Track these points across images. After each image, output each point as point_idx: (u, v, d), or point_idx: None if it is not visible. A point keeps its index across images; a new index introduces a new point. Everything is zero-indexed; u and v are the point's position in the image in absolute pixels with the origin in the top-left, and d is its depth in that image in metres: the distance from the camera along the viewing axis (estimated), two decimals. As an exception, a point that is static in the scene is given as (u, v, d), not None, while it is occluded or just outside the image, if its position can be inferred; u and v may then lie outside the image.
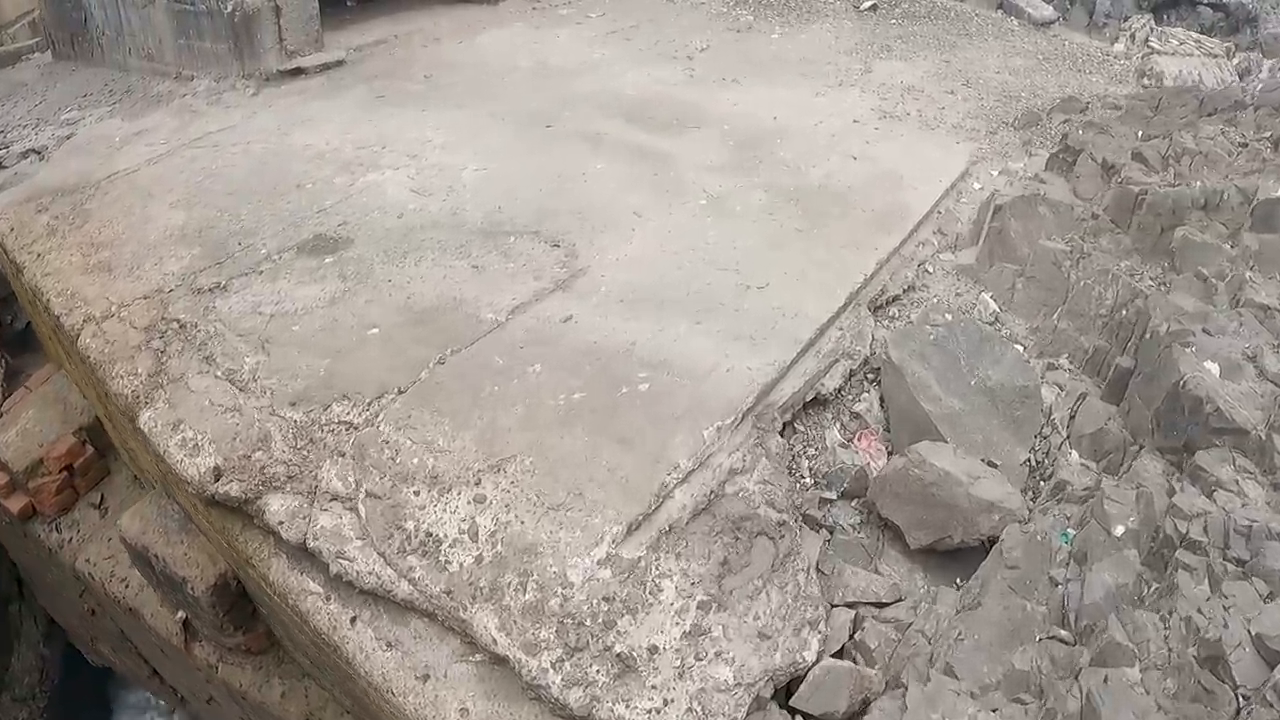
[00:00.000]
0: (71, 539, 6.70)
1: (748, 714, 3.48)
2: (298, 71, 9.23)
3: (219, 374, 5.02)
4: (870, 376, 5.16)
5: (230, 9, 8.86)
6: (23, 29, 14.46)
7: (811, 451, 4.76)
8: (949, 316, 5.37)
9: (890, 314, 5.66)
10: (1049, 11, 11.50)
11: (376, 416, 4.58)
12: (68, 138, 9.11)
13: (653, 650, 3.57)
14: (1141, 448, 4.50)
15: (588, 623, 3.61)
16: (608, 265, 5.58)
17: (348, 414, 4.62)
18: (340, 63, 9.36)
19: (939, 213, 6.67)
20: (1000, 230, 6.19)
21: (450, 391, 4.66)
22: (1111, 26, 11.39)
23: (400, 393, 4.70)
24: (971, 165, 7.41)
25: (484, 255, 5.73)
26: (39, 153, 8.91)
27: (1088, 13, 11.63)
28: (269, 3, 8.97)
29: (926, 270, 6.14)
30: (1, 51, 14.45)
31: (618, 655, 3.53)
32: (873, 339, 5.30)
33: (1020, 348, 5.56)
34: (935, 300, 5.87)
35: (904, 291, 5.84)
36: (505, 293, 5.35)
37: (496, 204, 6.29)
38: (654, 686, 3.47)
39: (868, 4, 11.60)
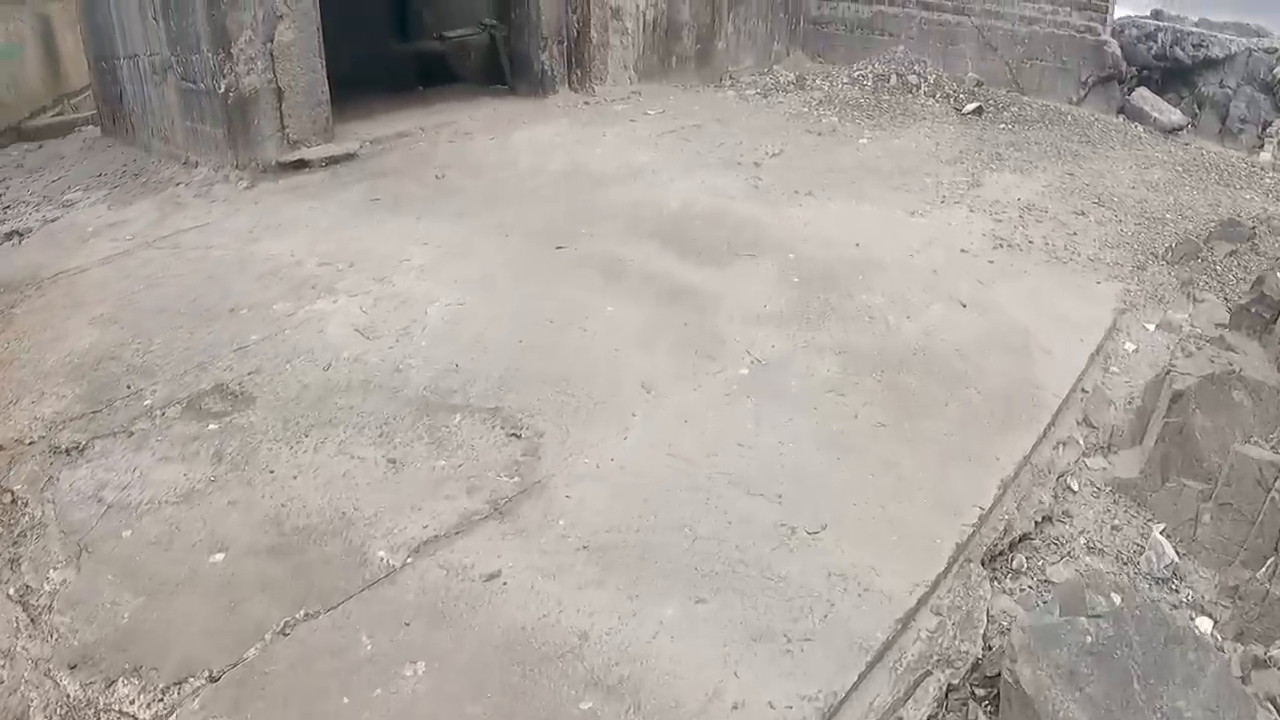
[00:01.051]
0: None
1: None
2: (300, 164, 7.56)
3: (13, 590, 3.30)
4: (980, 694, 3.02)
5: (224, 89, 7.25)
6: (87, 99, 13.25)
7: None
8: (1117, 599, 3.18)
9: (1013, 567, 3.53)
10: (1177, 116, 9.35)
11: (167, 716, 2.66)
12: (52, 221, 7.94)
13: None
14: None
15: None
16: (581, 477, 3.56)
17: (131, 701, 2.76)
18: (350, 156, 7.67)
19: (1083, 391, 4.55)
20: (1180, 428, 4.04)
21: (278, 695, 2.70)
22: (1248, 133, 9.20)
23: (211, 680, 2.79)
24: (1120, 316, 5.29)
25: (410, 443, 3.79)
26: (21, 235, 7.65)
27: (1219, 118, 9.44)
28: (269, 84, 7.34)
29: (1069, 487, 4.00)
30: (58, 121, 13.38)
31: None
32: (987, 623, 3.16)
33: (1214, 636, 3.42)
34: (1083, 539, 3.73)
35: (1037, 526, 3.71)
36: (419, 513, 3.39)
37: (454, 359, 4.38)
38: None
39: (971, 106, 9.59)
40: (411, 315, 4.84)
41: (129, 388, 4.49)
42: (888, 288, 5.25)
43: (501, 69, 13.58)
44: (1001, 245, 6.10)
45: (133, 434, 4.10)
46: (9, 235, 7.99)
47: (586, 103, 8.93)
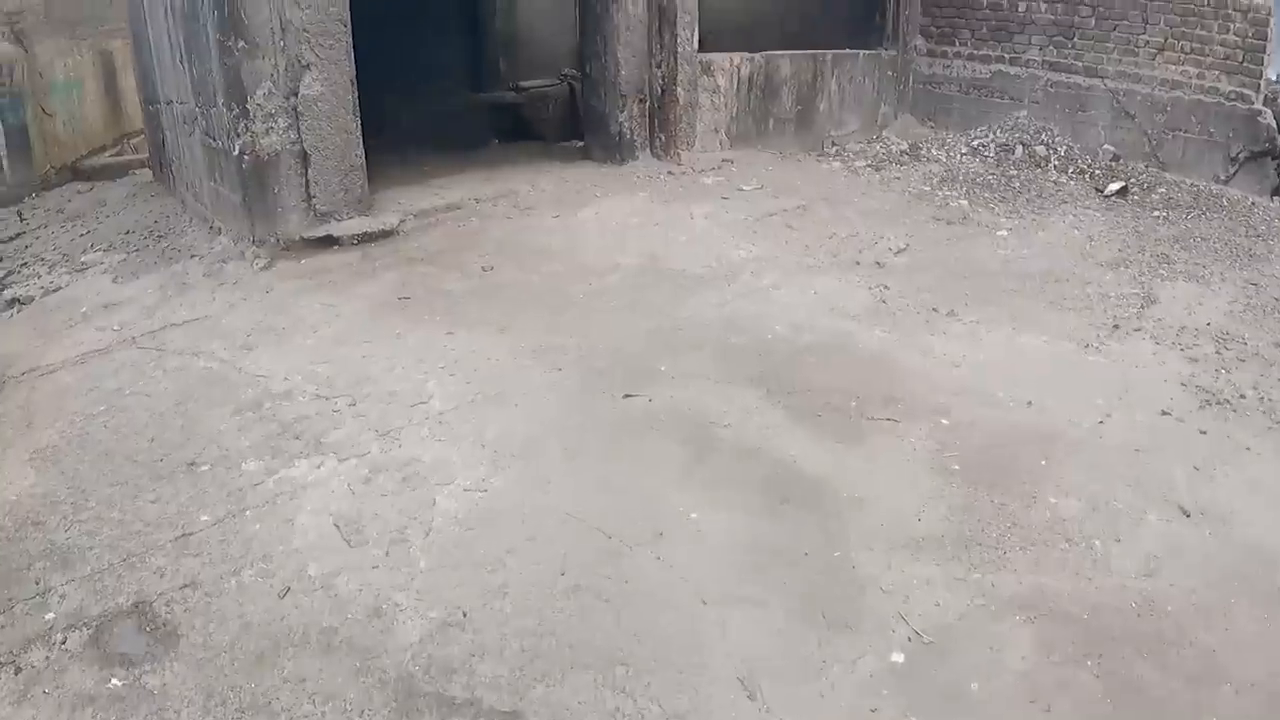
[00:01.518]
0: None
1: None
2: (328, 241, 6.26)
3: None
4: None
5: (239, 150, 5.98)
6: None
7: None
8: None
9: None
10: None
11: None
12: (55, 291, 6.83)
13: None
14: None
15: None
16: None
17: None
18: (387, 233, 6.34)
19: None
20: None
21: None
22: None
23: None
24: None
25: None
26: (21, 304, 6.67)
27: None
28: (292, 146, 6.05)
29: None
30: (115, 161, 12.35)
31: None
32: None
33: None
34: None
35: None
36: None
37: (462, 601, 2.92)
38: None
39: (1115, 187, 7.96)
40: (415, 505, 3.40)
41: (38, 583, 3.21)
42: (1082, 482, 3.67)
43: (581, 124, 12.33)
44: (1209, 402, 4.48)
45: (19, 670, 2.77)
46: (10, 303, 6.96)
47: (670, 172, 7.51)
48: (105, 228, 8.67)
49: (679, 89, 7.62)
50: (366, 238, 6.30)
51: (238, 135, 5.97)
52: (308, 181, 6.20)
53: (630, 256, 5.81)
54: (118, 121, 12.97)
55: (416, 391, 4.25)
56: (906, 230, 6.58)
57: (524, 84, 12.11)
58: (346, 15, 6.01)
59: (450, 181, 7.31)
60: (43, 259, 8.40)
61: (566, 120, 12.37)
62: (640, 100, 7.57)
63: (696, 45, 7.74)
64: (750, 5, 11.27)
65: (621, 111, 7.50)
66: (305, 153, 6.12)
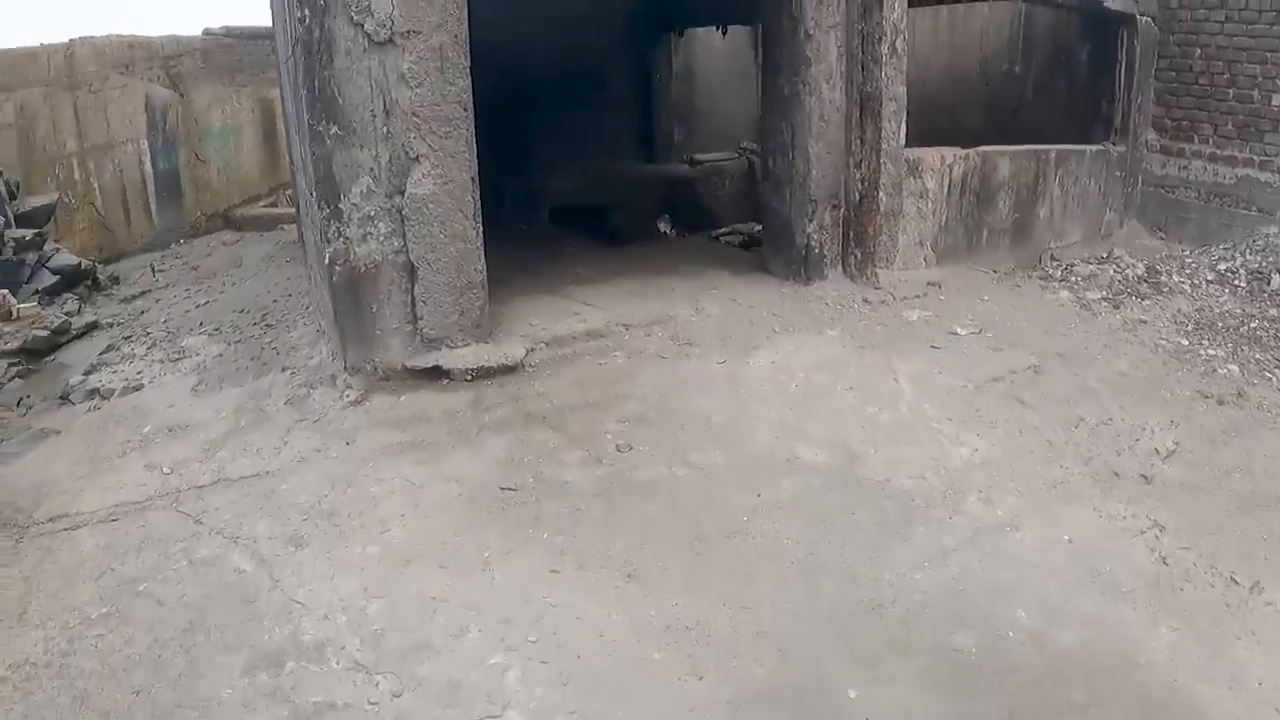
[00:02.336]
0: None
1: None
2: (435, 373, 5.00)
3: None
4: None
5: (329, 259, 4.79)
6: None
7: None
8: None
9: None
10: None
11: None
12: (134, 390, 5.92)
13: None
14: None
15: None
16: None
17: None
18: (509, 369, 5.02)
19: None
20: None
21: None
22: None
23: None
24: None
25: None
26: (102, 397, 5.89)
27: None
28: (395, 256, 4.83)
29: None
30: (267, 213, 11.60)
31: None
32: None
33: None
34: None
35: None
36: None
37: None
38: None
39: None
40: None
41: None
42: None
43: (759, 206, 10.85)
44: None
45: None
46: (90, 394, 6.00)
47: (867, 300, 5.92)
48: (223, 302, 7.77)
49: (881, 194, 6.06)
50: (482, 373, 4.98)
51: (328, 240, 4.77)
52: (413, 300, 4.94)
53: (814, 447, 4.25)
54: (275, 171, 12.28)
55: (489, 689, 2.83)
56: (1170, 416, 4.79)
57: (699, 157, 10.81)
58: (468, 97, 4.73)
59: (597, 292, 5.95)
60: (148, 333, 7.52)
61: (743, 198, 10.99)
62: (833, 206, 6.05)
63: (903, 140, 6.18)
64: (955, 83, 9.62)
65: (810, 220, 5.99)
66: (412, 265, 4.87)
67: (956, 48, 9.80)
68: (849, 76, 5.90)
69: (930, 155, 6.45)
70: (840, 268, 6.22)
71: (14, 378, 7.05)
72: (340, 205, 4.70)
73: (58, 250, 8.69)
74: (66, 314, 8.00)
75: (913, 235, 6.49)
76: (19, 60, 9.32)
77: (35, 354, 7.40)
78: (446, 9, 4.57)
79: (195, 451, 4.70)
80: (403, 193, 4.76)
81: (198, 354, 6.50)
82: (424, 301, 4.95)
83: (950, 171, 6.60)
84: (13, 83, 9.19)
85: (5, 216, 8.37)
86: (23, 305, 7.81)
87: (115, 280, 9.34)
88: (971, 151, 6.75)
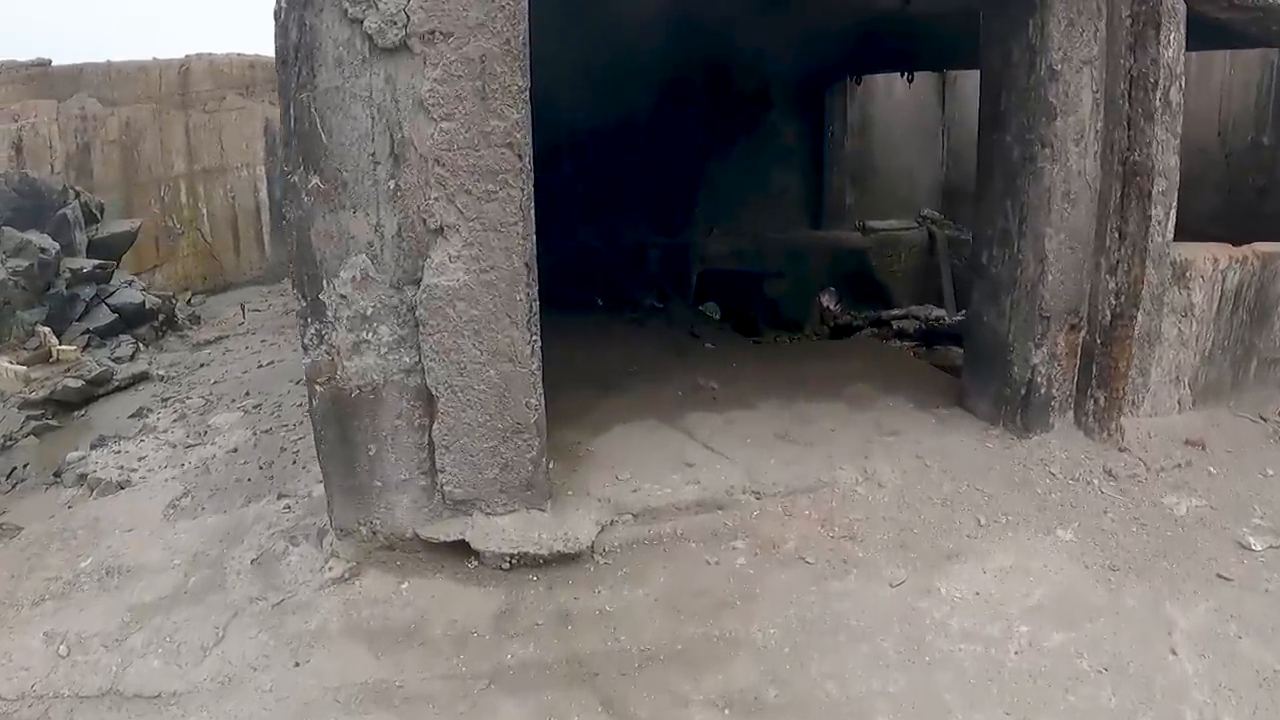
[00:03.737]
0: None
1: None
2: (458, 550, 3.20)
3: None
4: None
5: (308, 369, 3.05)
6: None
7: None
8: None
9: None
10: None
11: None
12: (120, 486, 4.65)
13: None
14: None
15: None
16: None
17: None
18: (568, 559, 3.16)
19: None
20: None
21: None
22: None
23: None
24: None
25: None
26: (90, 487, 4.77)
27: None
28: (404, 376, 3.05)
29: None
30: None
31: None
32: None
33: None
34: None
35: None
36: None
37: None
38: None
39: None
40: None
41: None
42: None
43: (940, 289, 8.71)
44: None
45: None
46: (79, 479, 4.93)
47: (1109, 473, 3.76)
48: (288, 365, 6.32)
49: (1140, 311, 3.91)
50: (526, 561, 3.15)
51: (306, 348, 3.03)
52: (431, 444, 3.14)
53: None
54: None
55: None
56: None
57: (872, 224, 8.74)
58: (525, 138, 2.88)
59: (727, 426, 4.01)
60: (187, 399, 6.11)
61: (921, 275, 8.88)
62: (1071, 327, 3.92)
63: (1171, 232, 4.02)
64: (1185, 156, 7.23)
65: (1038, 344, 3.87)
66: (429, 392, 3.07)
67: (1188, 112, 7.41)
68: (1107, 138, 3.79)
69: (1200, 256, 4.23)
70: (1071, 414, 4.07)
71: (29, 434, 5.69)
72: (322, 297, 2.96)
73: (129, 283, 7.37)
74: (115, 359, 6.63)
75: (1168, 368, 4.28)
76: (128, 74, 8.17)
77: (65, 406, 6.10)
78: None
79: (114, 624, 3.22)
80: (417, 282, 2.98)
81: (215, 442, 5.04)
82: (447, 447, 3.14)
83: (1223, 280, 4.36)
84: (120, 97, 8.02)
85: (70, 242, 7.10)
86: (64, 347, 6.42)
87: (196, 320, 8.00)
88: (1249, 251, 4.47)
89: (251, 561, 3.43)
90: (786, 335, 8.48)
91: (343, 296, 2.97)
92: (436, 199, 2.88)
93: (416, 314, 3.00)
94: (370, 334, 3.03)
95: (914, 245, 8.74)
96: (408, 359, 3.06)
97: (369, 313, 3.00)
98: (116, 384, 6.41)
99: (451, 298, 2.97)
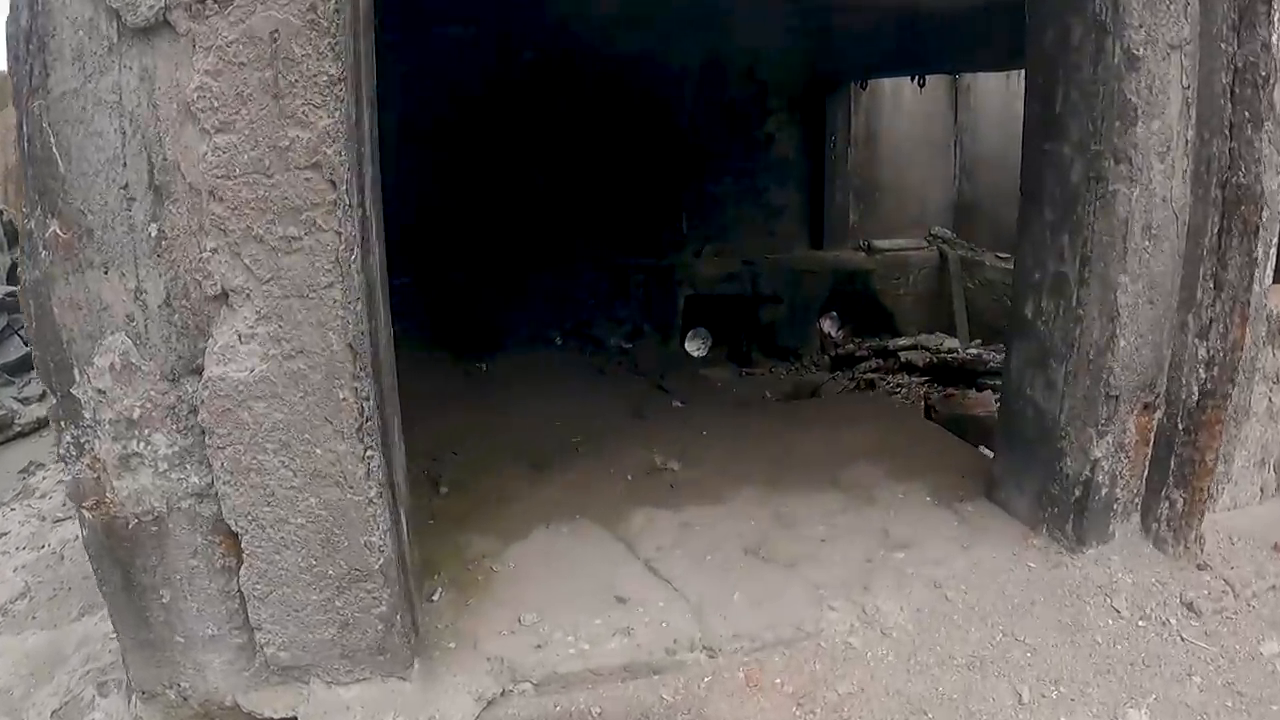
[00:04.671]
0: None
1: None
2: (289, 726, 2.10)
3: None
4: None
5: (70, 487, 1.93)
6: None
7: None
8: None
9: None
10: None
11: None
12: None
13: None
14: None
15: None
16: None
17: None
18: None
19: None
20: None
21: None
22: None
23: None
24: None
25: None
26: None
27: None
28: (195, 502, 1.94)
29: None
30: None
31: None
32: None
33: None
34: None
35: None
36: None
37: None
38: None
39: None
40: None
41: None
42: None
43: (951, 315, 7.58)
44: None
45: None
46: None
47: (1190, 608, 2.65)
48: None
49: (1233, 388, 2.81)
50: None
51: (65, 456, 1.97)
52: (241, 592, 2.08)
53: None
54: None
55: None
56: None
57: (878, 243, 7.61)
58: (341, 156, 1.78)
59: (682, 533, 2.94)
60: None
61: (931, 301, 7.74)
62: (1145, 407, 2.81)
63: (1270, 277, 2.91)
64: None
65: (1101, 431, 2.74)
66: (229, 525, 2.00)
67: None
68: (1199, 152, 2.68)
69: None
70: (1137, 518, 2.97)
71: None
72: (76, 391, 1.91)
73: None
74: (23, 399, 5.59)
75: (1253, 450, 3.21)
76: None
77: (-52, 457, 5.01)
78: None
79: None
80: (198, 372, 1.90)
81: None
82: (261, 598, 2.08)
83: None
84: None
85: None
86: (-46, 387, 5.35)
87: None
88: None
89: (52, 714, 2.40)
90: (782, 365, 7.40)
91: (101, 391, 1.91)
92: (215, 251, 1.81)
93: (200, 418, 1.93)
94: (142, 444, 1.97)
95: (923, 267, 7.63)
96: (196, 479, 2.00)
97: (136, 415, 1.94)
98: (18, 429, 5.40)
99: (245, 396, 1.90)
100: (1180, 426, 2.85)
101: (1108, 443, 2.79)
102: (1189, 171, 2.66)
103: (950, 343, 7.17)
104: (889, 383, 6.72)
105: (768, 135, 7.22)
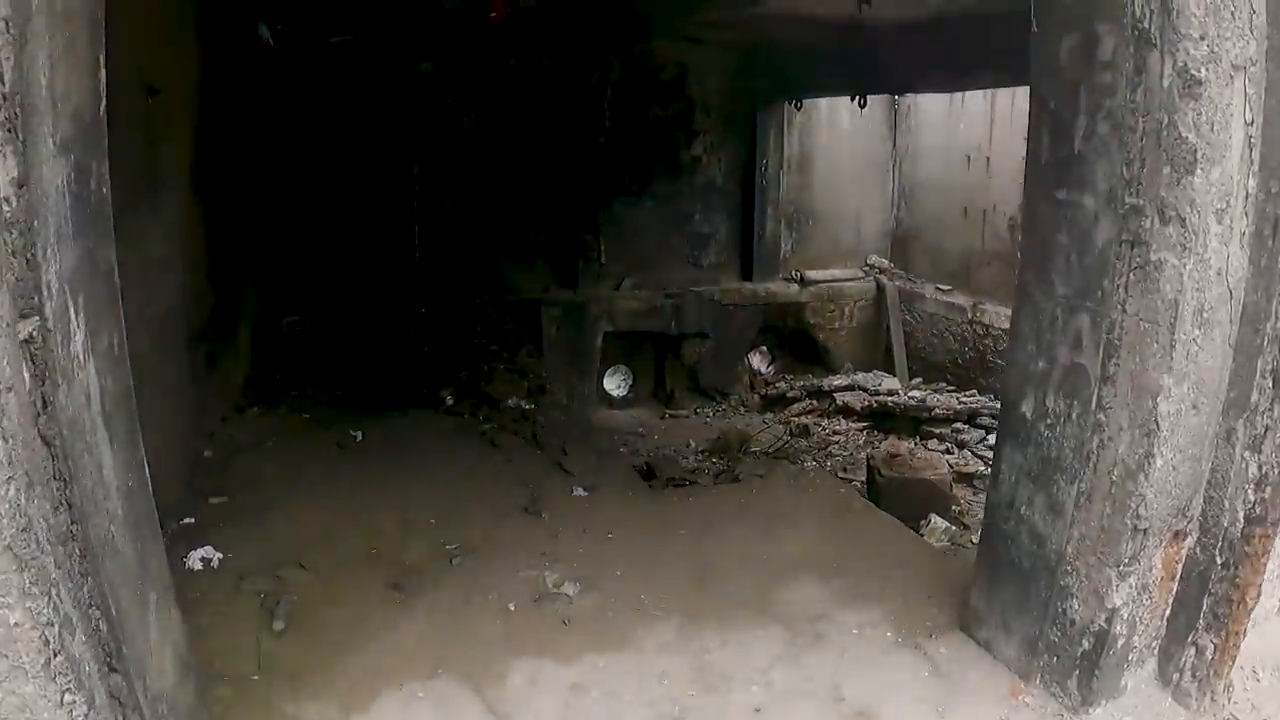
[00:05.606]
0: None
1: None
2: None
3: None
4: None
5: None
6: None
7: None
8: None
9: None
10: None
11: None
12: None
13: None
14: None
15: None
16: None
17: None
18: None
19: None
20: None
21: None
22: None
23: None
24: None
25: None
26: None
27: None
28: None
29: None
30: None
31: None
32: None
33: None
34: None
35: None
36: None
37: None
38: None
39: None
40: None
41: None
42: None
43: (889, 350, 6.86)
44: None
45: None
46: None
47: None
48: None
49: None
50: None
51: None
52: None
53: None
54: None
55: None
56: None
57: (812, 274, 6.85)
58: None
59: (570, 695, 2.11)
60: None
61: (869, 333, 6.97)
62: (1175, 536, 2.10)
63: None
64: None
65: (1123, 573, 2.02)
66: None
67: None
68: (1260, 209, 1.94)
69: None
70: (1153, 665, 2.24)
71: None
72: None
73: None
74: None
75: (1275, 561, 2.50)
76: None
77: None
78: None
79: None
80: None
81: None
82: None
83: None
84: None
85: None
86: None
87: None
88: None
89: None
90: (709, 406, 6.63)
91: None
92: None
93: None
94: None
95: (860, 299, 6.94)
96: None
97: None
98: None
99: None
100: (1218, 560, 2.12)
101: (1130, 586, 2.05)
102: (1246, 234, 1.92)
103: (889, 382, 6.48)
104: (824, 428, 5.98)
105: (694, 158, 6.45)
